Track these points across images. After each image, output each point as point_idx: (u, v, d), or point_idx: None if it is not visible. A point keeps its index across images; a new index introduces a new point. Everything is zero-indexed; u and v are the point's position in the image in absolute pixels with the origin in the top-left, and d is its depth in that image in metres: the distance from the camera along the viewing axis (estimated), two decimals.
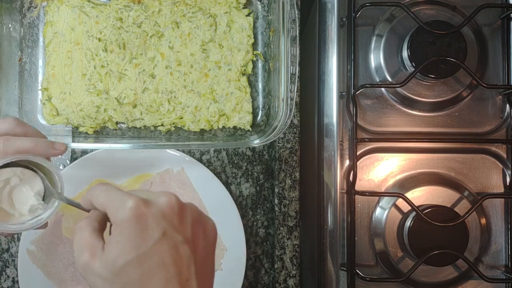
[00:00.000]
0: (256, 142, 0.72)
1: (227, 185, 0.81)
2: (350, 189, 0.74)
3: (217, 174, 0.81)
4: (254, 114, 0.81)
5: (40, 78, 0.79)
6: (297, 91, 0.79)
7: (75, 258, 0.45)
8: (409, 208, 0.73)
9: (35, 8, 0.79)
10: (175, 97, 0.78)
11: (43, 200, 0.54)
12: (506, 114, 0.79)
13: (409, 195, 0.75)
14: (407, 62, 0.76)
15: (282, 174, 0.82)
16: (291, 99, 0.71)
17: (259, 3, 0.82)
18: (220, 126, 0.79)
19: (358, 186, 0.75)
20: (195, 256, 0.45)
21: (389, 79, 0.78)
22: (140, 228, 0.43)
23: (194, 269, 0.44)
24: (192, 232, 0.45)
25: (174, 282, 0.43)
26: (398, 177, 0.79)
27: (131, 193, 0.45)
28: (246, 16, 0.80)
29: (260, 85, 0.82)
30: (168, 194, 0.46)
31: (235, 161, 0.82)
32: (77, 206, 0.51)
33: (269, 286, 0.82)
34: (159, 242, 0.43)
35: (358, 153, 0.76)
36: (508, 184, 0.79)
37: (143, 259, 0.42)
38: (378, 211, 0.78)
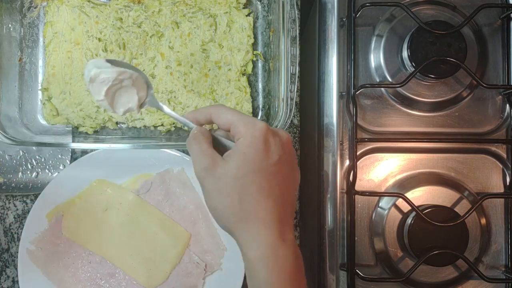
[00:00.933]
0: None
1: None
2: (350, 189, 0.74)
3: None
4: (254, 114, 0.81)
5: (40, 78, 0.79)
6: (297, 91, 0.79)
7: (194, 164, 0.52)
8: (409, 208, 0.73)
9: (35, 8, 0.79)
10: (175, 97, 0.78)
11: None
12: (506, 114, 0.79)
13: (409, 195, 0.75)
14: (407, 62, 0.76)
15: None
16: (291, 99, 0.71)
17: (259, 3, 0.82)
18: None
19: (358, 186, 0.75)
20: (294, 187, 0.53)
21: (389, 79, 0.78)
22: (265, 149, 0.50)
23: (292, 200, 0.52)
24: (294, 170, 0.53)
25: (279, 202, 0.50)
26: (398, 177, 0.79)
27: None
28: (246, 16, 0.80)
29: (260, 85, 0.82)
30: (286, 133, 0.53)
31: None
32: (182, 121, 0.56)
33: None
34: (275, 165, 0.50)
35: (358, 153, 0.76)
36: (508, 184, 0.79)
37: (261, 173, 0.49)
38: (378, 211, 0.78)
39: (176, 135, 0.80)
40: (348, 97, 0.77)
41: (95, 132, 0.79)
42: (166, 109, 0.59)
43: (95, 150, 0.77)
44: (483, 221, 0.78)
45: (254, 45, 0.81)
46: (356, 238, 0.75)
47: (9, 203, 0.80)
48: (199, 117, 0.55)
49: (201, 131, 0.54)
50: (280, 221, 0.49)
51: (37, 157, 0.80)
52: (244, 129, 0.51)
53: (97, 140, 0.78)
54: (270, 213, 0.49)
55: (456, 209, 0.75)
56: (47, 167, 0.80)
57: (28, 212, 0.77)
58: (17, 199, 0.80)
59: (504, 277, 0.77)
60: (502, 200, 0.78)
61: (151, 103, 0.60)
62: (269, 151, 0.50)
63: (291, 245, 0.50)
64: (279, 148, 0.51)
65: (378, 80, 0.79)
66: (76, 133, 0.79)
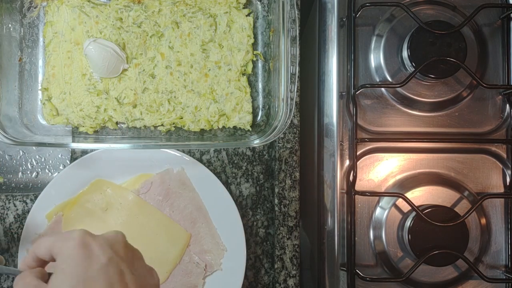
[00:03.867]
0: (256, 142, 0.72)
1: (227, 185, 0.81)
2: (350, 189, 0.74)
3: (217, 174, 0.81)
4: (254, 114, 0.81)
5: (40, 78, 0.79)
6: (297, 91, 0.79)
7: None
8: (409, 208, 0.73)
9: (35, 8, 0.79)
10: (175, 97, 0.78)
11: None
12: (506, 114, 0.79)
13: (409, 195, 0.75)
14: (407, 62, 0.76)
15: (282, 174, 0.82)
16: (291, 99, 0.71)
17: (259, 3, 0.82)
18: (220, 126, 0.79)
19: (358, 186, 0.75)
20: (146, 280, 0.48)
21: (389, 79, 0.78)
22: (86, 255, 0.45)
23: None
24: (137, 267, 0.48)
25: None
26: (398, 177, 0.79)
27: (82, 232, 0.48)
28: (246, 16, 0.80)
29: (260, 85, 0.82)
30: (117, 232, 0.49)
31: (235, 161, 0.82)
32: (12, 273, 0.51)
33: (269, 286, 0.82)
34: (105, 266, 0.45)
35: (358, 153, 0.76)
36: (508, 184, 0.79)
37: (90, 282, 0.44)
38: (378, 211, 0.78)
39: (176, 135, 0.80)
40: (348, 97, 0.77)
41: (95, 132, 0.79)
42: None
43: (95, 150, 0.77)
44: (483, 221, 0.78)
45: (254, 45, 0.81)
46: (356, 238, 0.75)
47: (9, 203, 0.80)
48: (27, 262, 0.50)
49: (29, 270, 0.48)
50: None
51: (37, 157, 0.80)
52: (60, 248, 0.46)
53: (97, 140, 0.78)
54: None
55: (456, 209, 0.75)
56: (47, 167, 0.80)
57: (28, 212, 0.77)
58: (17, 199, 0.80)
59: (504, 277, 0.77)
60: (502, 200, 0.78)
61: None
62: (92, 256, 0.45)
63: None
64: (104, 248, 0.46)
65: (378, 80, 0.79)
66: (76, 133, 0.79)
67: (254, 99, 0.81)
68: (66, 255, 0.45)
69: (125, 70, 0.77)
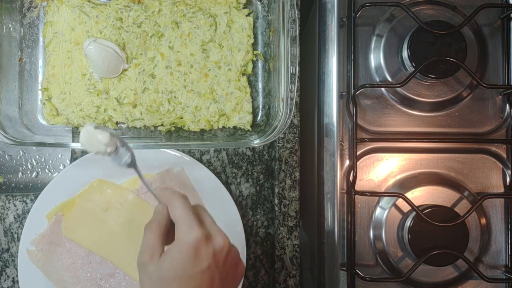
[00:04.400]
0: (256, 142, 0.72)
1: (227, 185, 0.81)
2: (350, 189, 0.74)
3: (217, 174, 0.81)
4: (254, 114, 0.81)
5: (40, 78, 0.79)
6: (297, 91, 0.79)
7: (139, 252, 0.55)
8: (409, 208, 0.73)
9: (35, 8, 0.79)
10: (175, 97, 0.78)
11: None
12: (506, 114, 0.79)
13: (409, 195, 0.75)
14: (407, 62, 0.76)
15: (282, 174, 0.82)
16: (291, 99, 0.71)
17: (259, 3, 0.82)
18: (220, 126, 0.79)
19: (358, 186, 0.75)
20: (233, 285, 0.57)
21: (389, 79, 0.78)
22: (194, 257, 0.52)
23: None
24: (228, 272, 0.56)
25: None
26: (398, 177, 0.79)
27: (197, 223, 0.54)
28: (246, 16, 0.80)
29: (260, 85, 0.82)
30: (224, 237, 0.55)
31: (235, 161, 0.82)
32: (151, 190, 0.61)
33: (269, 286, 0.82)
34: (203, 272, 0.52)
35: (358, 153, 0.76)
36: (508, 184, 0.79)
37: (188, 280, 0.52)
38: (378, 211, 0.78)
39: (176, 135, 0.80)
40: (348, 97, 0.77)
41: None
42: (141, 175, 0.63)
43: None
44: (483, 221, 0.78)
45: (254, 45, 0.81)
46: (356, 238, 0.75)
47: (9, 203, 0.80)
48: (164, 197, 0.58)
49: (158, 220, 0.56)
50: None
51: (37, 157, 0.80)
52: (181, 233, 0.53)
53: None
54: None
55: (456, 209, 0.75)
56: (47, 167, 0.80)
57: (28, 212, 0.77)
58: (17, 199, 0.80)
59: (504, 277, 0.77)
60: (502, 200, 0.78)
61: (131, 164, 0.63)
62: (198, 260, 0.52)
63: None
64: (209, 256, 0.53)
65: (378, 80, 0.79)
66: (76, 133, 0.79)
67: (254, 99, 0.81)
68: (181, 247, 0.52)
69: (125, 70, 0.77)
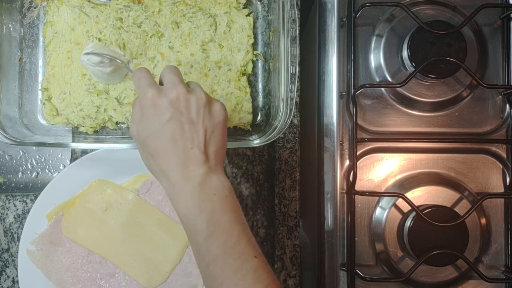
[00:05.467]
0: (256, 142, 0.72)
1: None
2: (350, 189, 0.74)
3: None
4: (254, 114, 0.81)
5: (40, 78, 0.79)
6: (297, 91, 0.79)
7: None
8: (409, 208, 0.73)
9: (35, 8, 0.79)
10: None
11: None
12: (506, 114, 0.79)
13: (409, 195, 0.75)
14: (407, 62, 0.76)
15: (282, 174, 0.82)
16: (291, 99, 0.71)
17: (259, 3, 0.82)
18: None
19: (358, 186, 0.75)
20: (199, 132, 0.57)
21: (389, 79, 0.78)
22: (155, 113, 0.57)
23: (197, 142, 0.57)
24: (197, 114, 0.58)
25: (180, 150, 0.56)
26: (398, 177, 0.79)
27: (149, 82, 0.59)
28: (246, 16, 0.80)
29: (260, 85, 0.82)
30: (177, 85, 0.58)
31: (235, 161, 0.83)
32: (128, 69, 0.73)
33: None
34: (167, 123, 0.56)
35: (358, 153, 0.76)
36: (508, 184, 0.79)
37: (158, 134, 0.57)
38: (378, 211, 0.78)
39: None
40: (348, 97, 0.77)
41: (95, 132, 0.79)
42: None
43: (95, 150, 0.77)
44: (483, 221, 0.78)
45: (254, 45, 0.81)
46: (356, 238, 0.75)
47: (9, 203, 0.80)
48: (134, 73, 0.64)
49: (142, 68, 0.62)
50: (184, 165, 0.56)
51: (37, 157, 0.80)
52: (140, 97, 0.59)
53: (97, 140, 0.78)
54: (168, 163, 0.57)
55: (456, 209, 0.75)
56: (47, 167, 0.80)
57: (28, 212, 0.77)
58: (17, 199, 0.80)
59: (504, 277, 0.77)
60: (502, 200, 0.78)
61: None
62: (159, 114, 0.57)
63: (197, 180, 0.56)
64: (168, 107, 0.57)
65: (378, 80, 0.79)
66: (76, 133, 0.79)
67: (254, 99, 0.81)
68: (142, 109, 0.58)
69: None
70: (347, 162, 0.78)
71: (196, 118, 0.58)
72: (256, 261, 0.55)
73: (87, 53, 0.73)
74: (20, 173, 0.80)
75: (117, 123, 0.79)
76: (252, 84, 0.81)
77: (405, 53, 0.76)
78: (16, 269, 0.77)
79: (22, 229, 0.77)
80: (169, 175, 0.57)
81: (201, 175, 0.56)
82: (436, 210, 0.73)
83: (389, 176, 0.79)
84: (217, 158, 0.59)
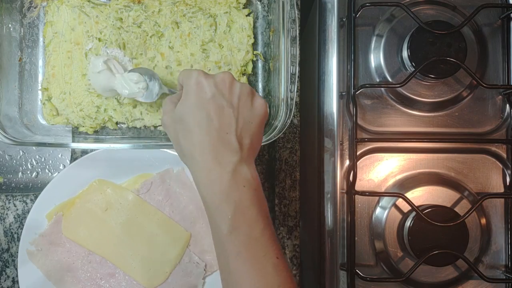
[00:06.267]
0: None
1: None
2: (350, 189, 0.74)
3: None
4: None
5: (40, 78, 0.79)
6: (297, 91, 0.79)
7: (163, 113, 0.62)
8: (409, 208, 0.73)
9: (35, 8, 0.79)
10: None
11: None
12: (506, 114, 0.79)
13: (409, 195, 0.75)
14: (407, 62, 0.76)
15: (282, 174, 0.82)
16: (291, 99, 0.71)
17: (259, 3, 0.82)
18: None
19: (358, 186, 0.75)
20: (237, 118, 0.57)
21: (389, 79, 0.78)
22: (198, 90, 0.57)
23: (235, 128, 0.56)
24: (239, 101, 0.57)
25: (215, 132, 0.55)
26: (398, 177, 0.79)
27: (201, 70, 0.59)
28: (246, 16, 0.80)
29: (260, 85, 0.82)
30: (226, 72, 0.58)
31: None
32: (173, 91, 0.74)
33: None
34: (208, 101, 0.56)
35: (358, 153, 0.76)
36: (508, 184, 0.79)
37: (196, 110, 0.56)
38: (378, 211, 0.78)
39: None
40: (348, 97, 0.77)
41: (95, 132, 0.79)
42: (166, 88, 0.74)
43: (95, 150, 0.77)
44: (483, 221, 0.78)
45: (254, 45, 0.81)
46: (356, 238, 0.75)
47: (9, 203, 0.80)
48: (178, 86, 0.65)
49: (173, 95, 0.64)
50: (217, 149, 0.55)
51: (37, 157, 0.80)
52: (185, 82, 0.59)
53: (97, 140, 0.78)
54: (200, 143, 0.55)
55: (456, 209, 0.75)
56: (47, 167, 0.80)
57: (28, 212, 0.77)
58: (17, 199, 0.80)
59: (504, 277, 0.77)
60: (502, 200, 0.78)
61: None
62: (202, 92, 0.56)
63: (229, 168, 0.54)
64: (211, 87, 0.57)
65: (378, 80, 0.79)
66: (76, 133, 0.79)
67: None
68: (186, 89, 0.58)
69: None
70: (347, 162, 0.78)
71: (237, 104, 0.57)
72: (277, 262, 0.54)
73: (131, 71, 0.74)
74: (20, 173, 0.80)
75: (117, 123, 0.79)
76: (252, 84, 0.81)
77: (405, 53, 0.76)
78: (16, 269, 0.77)
79: (22, 229, 0.77)
80: (198, 156, 0.55)
81: (233, 163, 0.55)
82: (436, 210, 0.73)
83: (389, 176, 0.79)
84: (251, 150, 0.57)
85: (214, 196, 0.54)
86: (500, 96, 0.80)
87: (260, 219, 0.55)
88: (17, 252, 0.77)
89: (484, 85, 0.75)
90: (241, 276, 0.53)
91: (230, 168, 0.54)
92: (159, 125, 0.79)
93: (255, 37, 0.81)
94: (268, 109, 0.60)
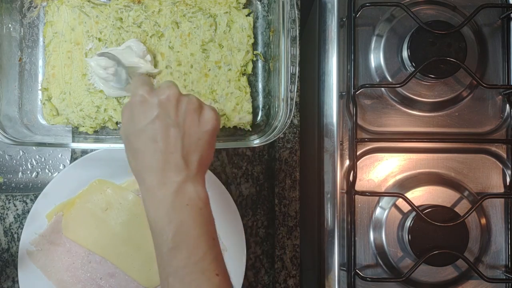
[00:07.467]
0: (256, 142, 0.72)
1: (227, 185, 0.81)
2: (350, 189, 0.74)
3: (217, 174, 0.81)
4: (254, 114, 0.81)
5: (40, 78, 0.79)
6: (297, 91, 0.79)
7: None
8: (409, 208, 0.73)
9: (35, 8, 0.79)
10: None
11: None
12: (506, 114, 0.79)
13: (409, 195, 0.75)
14: (407, 62, 0.76)
15: (282, 174, 0.82)
16: (291, 99, 0.71)
17: (259, 3, 0.82)
18: (220, 126, 0.79)
19: (358, 186, 0.75)
20: (183, 137, 0.55)
21: (389, 79, 0.78)
22: (142, 111, 0.55)
23: (180, 147, 0.54)
24: (185, 119, 0.55)
25: (159, 154, 0.54)
26: (398, 177, 0.79)
27: (146, 83, 0.58)
28: (246, 16, 0.80)
29: (260, 85, 0.82)
30: (171, 87, 0.56)
31: (235, 161, 0.83)
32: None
33: (269, 286, 0.82)
34: (152, 122, 0.54)
35: (358, 153, 0.76)
36: (508, 184, 0.79)
37: (141, 132, 0.55)
38: (378, 211, 0.78)
39: None
40: (348, 97, 0.77)
41: (95, 132, 0.79)
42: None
43: (95, 150, 0.77)
44: (483, 221, 0.78)
45: (254, 45, 0.81)
46: (356, 238, 0.75)
47: (9, 203, 0.80)
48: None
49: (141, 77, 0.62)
50: (161, 170, 0.54)
51: (37, 157, 0.80)
52: (132, 95, 0.57)
53: (97, 140, 0.78)
54: (147, 164, 0.54)
55: (456, 209, 0.75)
56: (47, 167, 0.80)
57: (28, 212, 0.77)
58: (17, 199, 0.80)
59: (504, 277, 0.77)
60: (502, 200, 0.78)
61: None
62: (146, 112, 0.55)
63: (172, 188, 0.53)
64: (155, 107, 0.55)
65: (378, 80, 0.79)
66: (76, 133, 0.79)
67: (254, 99, 0.81)
68: (131, 107, 0.56)
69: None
70: (347, 162, 0.78)
71: (183, 122, 0.55)
72: (217, 280, 0.53)
73: (101, 53, 0.73)
74: (20, 173, 0.80)
75: (117, 123, 0.79)
76: (252, 84, 0.81)
77: (405, 53, 0.76)
78: (16, 269, 0.77)
79: (22, 229, 0.78)
80: (145, 177, 0.54)
81: (177, 183, 0.54)
82: (436, 210, 0.73)
83: (389, 176, 0.79)
84: (199, 167, 0.56)
85: (157, 217, 0.54)
86: (500, 96, 0.80)
87: (203, 240, 0.53)
88: (17, 252, 0.77)
89: (484, 85, 0.75)
90: None
91: (173, 189, 0.53)
92: None
93: (255, 37, 0.81)
94: (218, 121, 0.58)
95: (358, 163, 0.76)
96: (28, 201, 0.80)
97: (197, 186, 0.55)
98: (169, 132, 0.54)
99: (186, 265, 0.52)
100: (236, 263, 0.77)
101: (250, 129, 0.80)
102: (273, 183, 0.83)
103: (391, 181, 0.79)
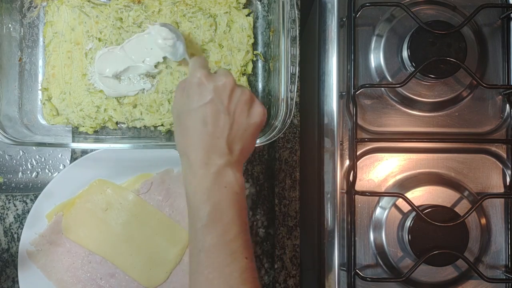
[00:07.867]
0: (256, 142, 0.72)
1: None
2: (350, 189, 0.74)
3: None
4: None
5: (40, 78, 0.79)
6: (297, 91, 0.79)
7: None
8: (409, 208, 0.73)
9: (35, 8, 0.79)
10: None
11: None
12: (506, 114, 0.79)
13: (409, 195, 0.75)
14: (407, 62, 0.76)
15: (282, 174, 0.82)
16: (291, 99, 0.71)
17: (259, 3, 0.82)
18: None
19: (358, 186, 0.75)
20: (231, 125, 0.58)
21: (389, 79, 0.78)
22: (198, 92, 0.58)
23: (227, 134, 0.57)
24: (236, 108, 0.58)
25: (207, 136, 0.57)
26: (398, 177, 0.79)
27: (204, 66, 0.61)
28: (246, 16, 0.80)
29: (260, 85, 0.82)
30: (228, 76, 0.59)
31: None
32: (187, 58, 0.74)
33: (269, 286, 0.82)
34: (205, 105, 0.57)
35: (358, 153, 0.76)
36: (508, 184, 0.79)
37: (192, 112, 0.58)
38: (378, 211, 0.78)
39: None
40: (348, 97, 0.77)
41: (95, 132, 0.79)
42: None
43: (95, 150, 0.77)
44: (483, 221, 0.78)
45: (254, 45, 0.81)
46: (356, 238, 0.75)
47: (9, 203, 0.80)
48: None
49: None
50: (206, 151, 0.57)
51: (37, 157, 0.80)
52: (189, 75, 0.60)
53: (97, 140, 0.78)
54: (193, 144, 0.57)
55: (456, 209, 0.75)
56: (47, 167, 0.80)
57: (28, 212, 0.77)
58: (17, 199, 0.80)
59: (504, 277, 0.77)
60: (502, 200, 0.78)
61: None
62: (201, 94, 0.58)
63: (213, 169, 0.56)
64: (211, 91, 0.57)
65: (378, 80, 0.79)
66: (76, 133, 0.79)
67: None
68: (188, 87, 0.59)
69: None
70: (347, 162, 0.78)
71: (233, 111, 0.58)
72: (245, 263, 0.55)
73: (163, 24, 0.73)
74: (20, 173, 0.80)
75: (117, 123, 0.79)
76: (252, 84, 0.81)
77: (405, 53, 0.76)
78: (16, 269, 0.77)
79: (22, 229, 0.78)
80: (190, 154, 0.57)
81: (219, 166, 0.56)
82: (436, 210, 0.73)
83: (389, 176, 0.79)
84: (240, 155, 0.59)
85: (196, 193, 0.56)
86: (500, 96, 0.80)
87: (236, 222, 0.56)
88: (17, 252, 0.77)
89: (484, 85, 0.75)
90: (208, 271, 0.54)
91: (214, 170, 0.56)
92: (159, 125, 0.79)
93: (255, 37, 0.81)
94: (266, 117, 0.61)
95: (358, 163, 0.76)
96: (28, 201, 0.80)
97: (236, 172, 0.58)
98: (219, 118, 0.57)
99: (218, 243, 0.54)
100: None
101: None
102: (273, 183, 0.83)
103: (391, 181, 0.79)
